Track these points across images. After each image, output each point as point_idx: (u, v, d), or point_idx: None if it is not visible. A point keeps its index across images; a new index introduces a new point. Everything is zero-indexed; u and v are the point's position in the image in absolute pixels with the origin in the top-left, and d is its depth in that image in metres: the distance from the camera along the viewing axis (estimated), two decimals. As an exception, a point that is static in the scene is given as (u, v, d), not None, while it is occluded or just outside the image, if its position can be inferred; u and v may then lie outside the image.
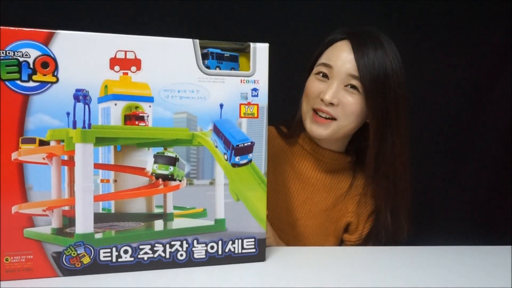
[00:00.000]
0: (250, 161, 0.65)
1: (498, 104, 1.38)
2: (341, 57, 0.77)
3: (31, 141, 0.55)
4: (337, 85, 0.77)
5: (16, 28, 0.53)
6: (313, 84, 0.80)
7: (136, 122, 0.59)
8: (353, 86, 0.77)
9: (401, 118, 0.79)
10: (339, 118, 0.78)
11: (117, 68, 0.57)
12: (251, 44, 0.63)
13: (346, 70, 0.76)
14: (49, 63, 0.55)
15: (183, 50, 0.60)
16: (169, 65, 0.59)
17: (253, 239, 0.66)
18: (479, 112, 1.39)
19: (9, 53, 0.53)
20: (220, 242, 0.64)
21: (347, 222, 0.87)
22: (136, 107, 0.59)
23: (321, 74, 0.80)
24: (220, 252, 0.64)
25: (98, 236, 0.58)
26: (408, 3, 1.31)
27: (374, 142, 0.79)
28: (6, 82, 0.53)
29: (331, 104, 0.77)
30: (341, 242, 0.91)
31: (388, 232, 0.83)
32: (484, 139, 1.40)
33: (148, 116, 0.59)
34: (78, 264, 0.58)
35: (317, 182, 0.87)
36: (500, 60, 1.36)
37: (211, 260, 0.63)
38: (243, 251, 0.65)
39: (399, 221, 0.83)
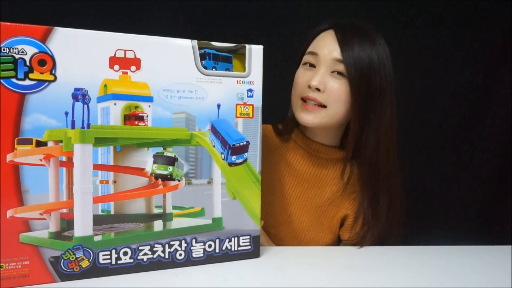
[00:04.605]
0: (245, 160, 0.66)
1: (498, 104, 1.37)
2: (326, 45, 0.80)
3: (28, 141, 0.53)
4: (323, 71, 0.79)
5: (12, 24, 0.51)
6: (301, 74, 0.83)
7: (136, 122, 0.58)
8: (339, 73, 0.79)
9: (386, 106, 0.81)
10: (328, 105, 0.79)
11: (116, 67, 0.56)
12: (247, 46, 0.65)
13: (331, 56, 0.79)
14: (46, 61, 0.53)
15: (182, 50, 0.60)
16: (168, 65, 0.59)
17: (248, 236, 0.67)
18: (479, 112, 1.39)
19: (4, 49, 0.51)
20: (217, 241, 0.65)
21: (342, 216, 0.89)
22: (136, 107, 0.58)
23: (308, 64, 0.82)
24: (217, 251, 0.65)
25: (97, 238, 0.57)
26: (408, 2, 1.31)
27: (355, 126, 0.81)
28: (1, 80, 0.51)
29: (318, 90, 0.78)
30: (339, 242, 0.91)
31: (368, 219, 0.84)
32: (484, 139, 1.40)
33: (147, 116, 0.59)
34: (76, 268, 0.56)
35: (311, 177, 0.88)
36: (500, 60, 1.36)
37: (209, 258, 0.64)
38: (239, 248, 0.67)
39: (378, 207, 0.84)
